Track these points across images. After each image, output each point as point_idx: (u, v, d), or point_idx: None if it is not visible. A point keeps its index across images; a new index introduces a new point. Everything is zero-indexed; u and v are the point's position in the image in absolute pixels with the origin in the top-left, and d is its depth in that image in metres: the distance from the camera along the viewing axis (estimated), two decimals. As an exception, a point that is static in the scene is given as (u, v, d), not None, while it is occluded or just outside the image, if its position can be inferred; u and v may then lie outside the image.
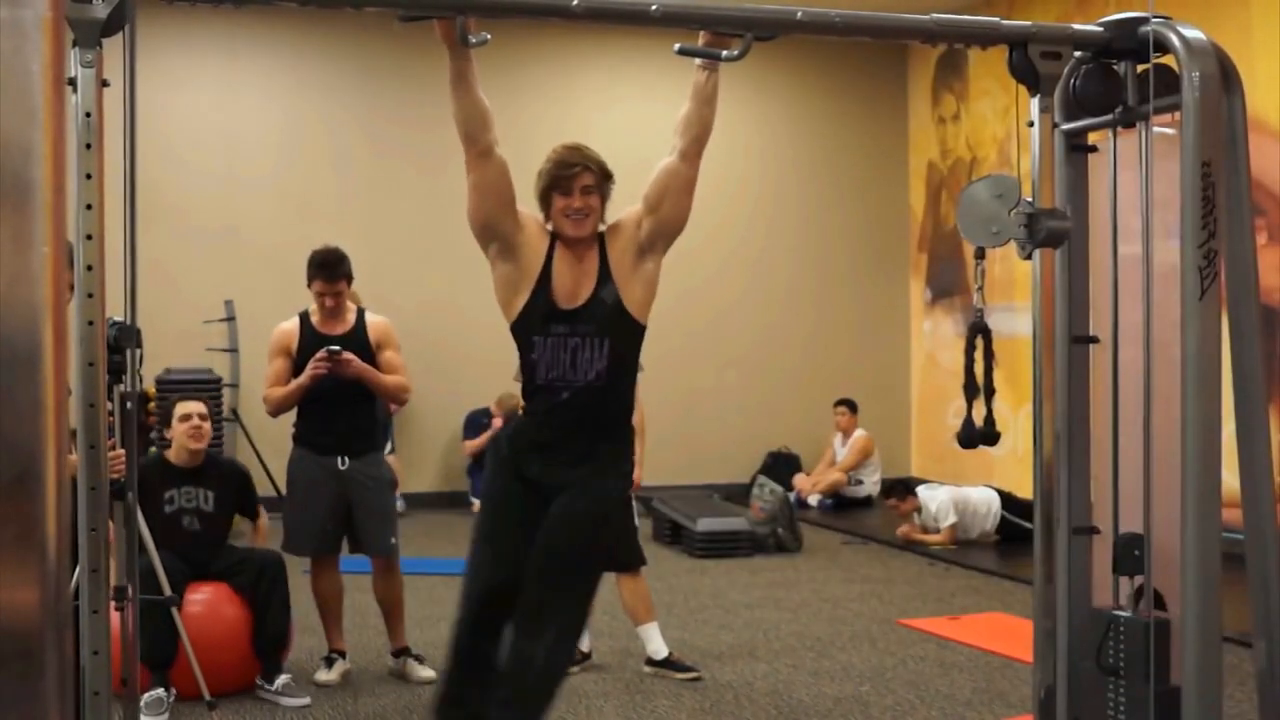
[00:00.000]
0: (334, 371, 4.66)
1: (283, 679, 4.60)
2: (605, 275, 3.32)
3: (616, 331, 3.30)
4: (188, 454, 4.75)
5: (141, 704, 4.13)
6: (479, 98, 3.17)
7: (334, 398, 4.76)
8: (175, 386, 8.50)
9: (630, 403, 3.47)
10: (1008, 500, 7.96)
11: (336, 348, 4.67)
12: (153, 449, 5.15)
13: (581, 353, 3.27)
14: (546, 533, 3.25)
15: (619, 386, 3.36)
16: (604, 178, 3.37)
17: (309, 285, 4.80)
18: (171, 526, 4.66)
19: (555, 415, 3.30)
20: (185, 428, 4.73)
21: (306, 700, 4.56)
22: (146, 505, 4.62)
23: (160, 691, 4.36)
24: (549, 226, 3.36)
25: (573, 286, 3.30)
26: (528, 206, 3.38)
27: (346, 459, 4.83)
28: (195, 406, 4.78)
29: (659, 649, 4.94)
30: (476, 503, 9.41)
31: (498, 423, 9.38)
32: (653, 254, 3.37)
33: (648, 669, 4.95)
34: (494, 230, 3.31)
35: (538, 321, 3.28)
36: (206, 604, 4.63)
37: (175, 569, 4.41)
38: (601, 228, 3.38)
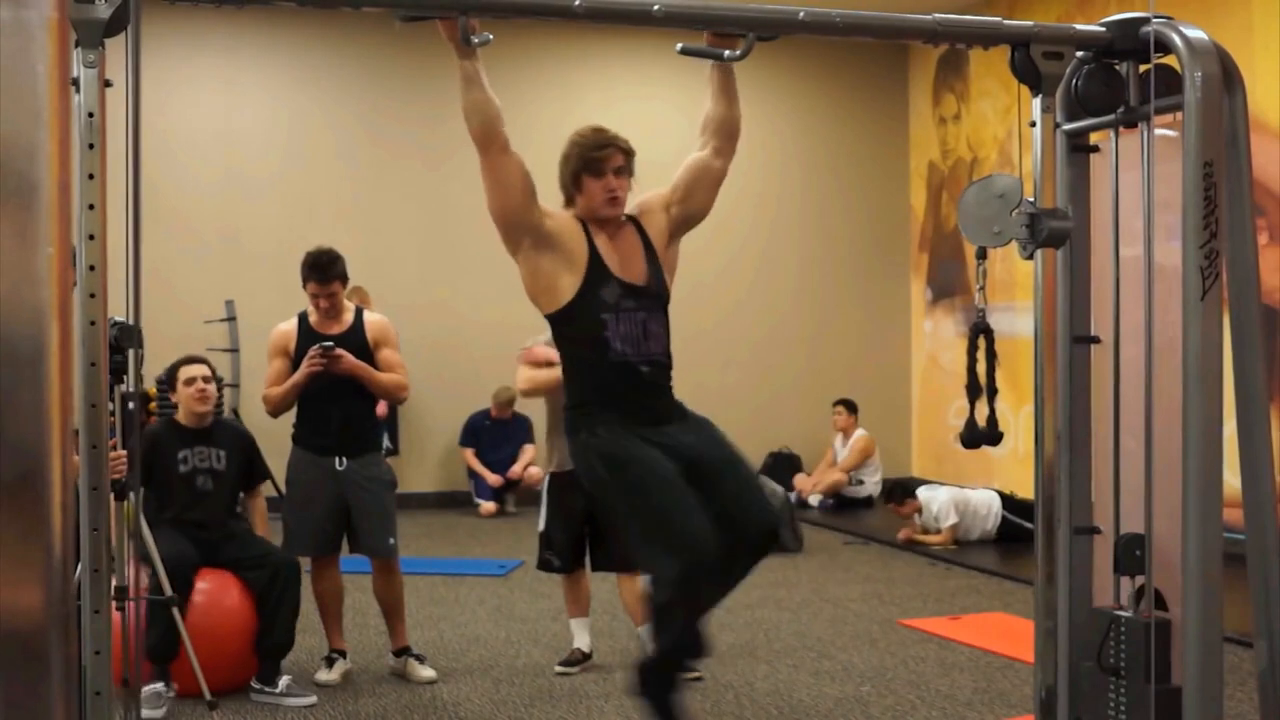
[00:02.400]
0: (328, 368, 4.67)
1: (285, 680, 4.59)
2: (652, 254, 3.41)
3: (666, 307, 3.41)
4: (195, 416, 4.81)
5: (140, 697, 4.16)
6: (490, 95, 3.19)
7: (330, 398, 4.77)
8: (176, 386, 8.52)
9: None
10: (1007, 502, 7.96)
11: (330, 344, 4.69)
12: (158, 415, 5.20)
13: (650, 326, 3.33)
14: (710, 455, 3.29)
15: (672, 362, 3.45)
16: (630, 156, 3.44)
17: (304, 287, 4.83)
18: (187, 487, 4.72)
19: (641, 390, 3.31)
20: (191, 391, 4.78)
21: (313, 699, 4.56)
22: (161, 468, 4.67)
23: (160, 686, 4.36)
24: (575, 211, 3.39)
25: (624, 264, 3.36)
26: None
27: (344, 459, 4.83)
28: (199, 370, 4.83)
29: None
30: (482, 504, 9.43)
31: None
32: (675, 239, 3.49)
33: (648, 669, 4.94)
34: (523, 224, 3.32)
35: (604, 299, 3.30)
36: (211, 595, 4.60)
37: (185, 556, 4.45)
38: (626, 210, 3.44)
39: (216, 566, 4.66)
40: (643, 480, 3.20)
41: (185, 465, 4.76)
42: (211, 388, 4.84)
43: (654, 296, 3.36)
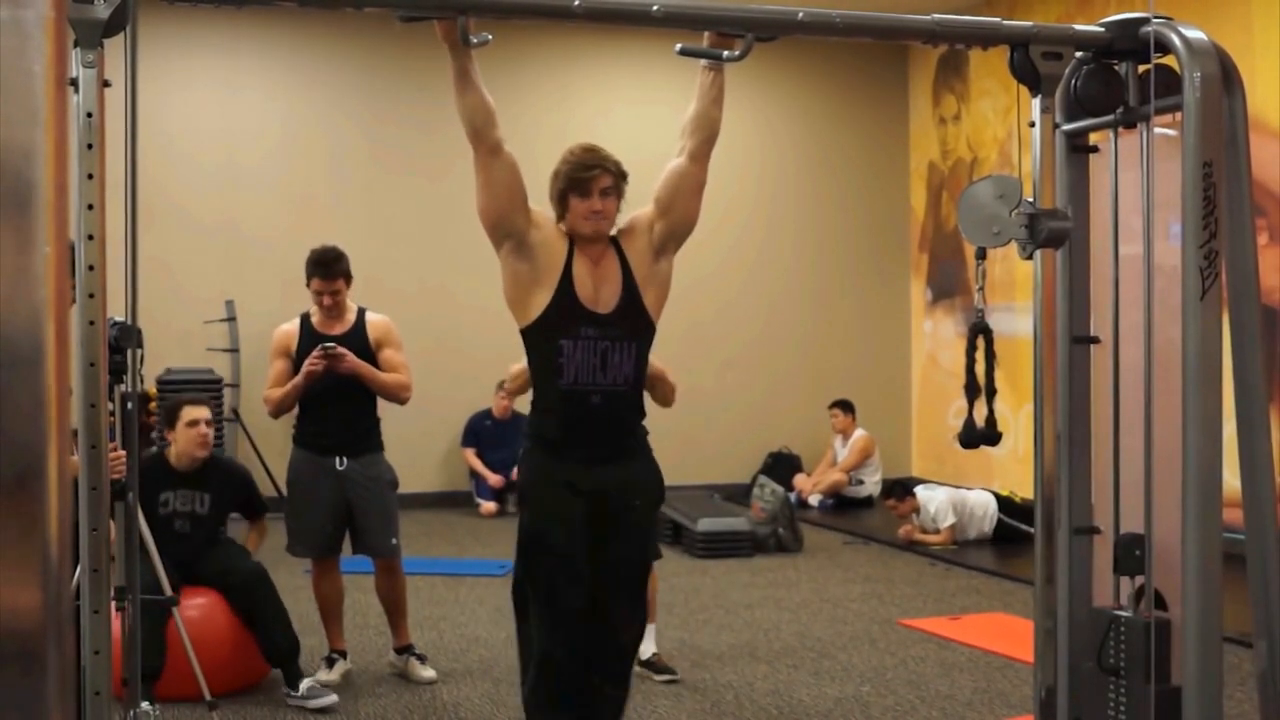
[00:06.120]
0: (330, 368, 4.66)
1: (306, 683, 4.57)
2: (629, 279, 3.34)
3: (641, 334, 3.34)
4: (190, 459, 4.72)
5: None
6: (483, 94, 3.17)
7: (332, 398, 4.76)
8: (176, 386, 8.51)
9: (643, 403, 3.52)
10: (1004, 504, 7.96)
11: (332, 344, 4.68)
12: (153, 448, 5.09)
13: (612, 356, 3.28)
14: (619, 558, 3.35)
15: (640, 388, 3.42)
16: (620, 178, 3.37)
17: (307, 285, 4.82)
18: (163, 527, 4.60)
19: (588, 419, 3.30)
20: (194, 434, 4.68)
21: (334, 698, 4.55)
22: (140, 504, 4.59)
23: (145, 705, 4.25)
24: (564, 228, 3.37)
25: (596, 289, 3.31)
26: (538, 206, 3.38)
27: (344, 459, 4.83)
28: (203, 412, 4.73)
29: (645, 649, 4.92)
30: (483, 504, 9.43)
31: (504, 403, 9.37)
32: (665, 255, 3.40)
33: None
34: (507, 228, 3.30)
35: (565, 324, 3.27)
36: (199, 608, 4.60)
37: (169, 575, 4.38)
38: (613, 230, 3.39)
39: (191, 584, 4.64)
40: (541, 543, 3.34)
41: (165, 508, 4.68)
42: (211, 432, 4.77)
43: (621, 325, 3.30)
